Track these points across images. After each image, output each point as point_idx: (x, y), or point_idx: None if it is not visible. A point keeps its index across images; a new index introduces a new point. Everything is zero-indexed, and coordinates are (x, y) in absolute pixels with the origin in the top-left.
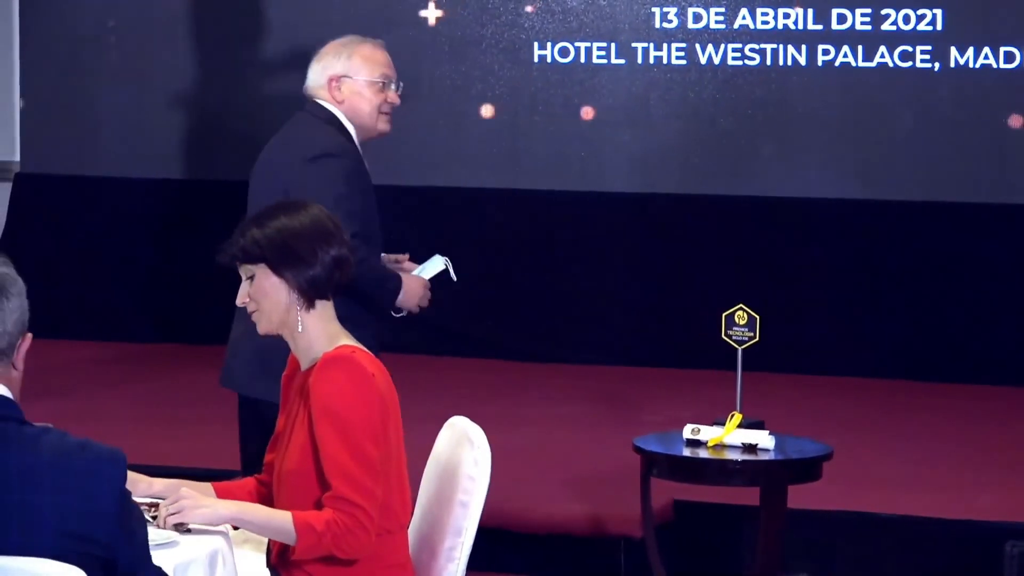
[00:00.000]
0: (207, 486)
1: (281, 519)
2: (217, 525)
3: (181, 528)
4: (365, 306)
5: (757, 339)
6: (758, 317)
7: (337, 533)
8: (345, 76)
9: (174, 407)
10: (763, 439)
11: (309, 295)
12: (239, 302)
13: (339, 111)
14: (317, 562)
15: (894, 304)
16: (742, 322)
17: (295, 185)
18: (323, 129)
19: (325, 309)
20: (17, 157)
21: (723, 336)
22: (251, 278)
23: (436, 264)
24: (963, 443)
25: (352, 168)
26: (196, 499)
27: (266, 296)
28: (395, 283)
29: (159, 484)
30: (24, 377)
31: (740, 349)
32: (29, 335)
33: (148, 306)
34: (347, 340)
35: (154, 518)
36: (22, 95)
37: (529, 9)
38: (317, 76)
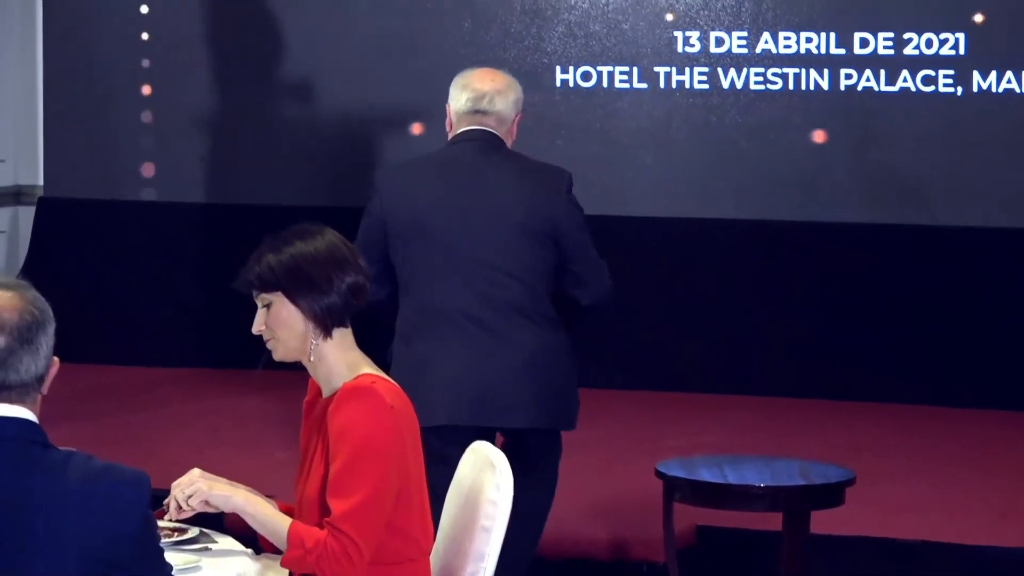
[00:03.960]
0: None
1: (279, 524)
2: (227, 510)
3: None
4: None
5: None
6: None
7: (323, 555)
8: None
9: (196, 432)
10: None
11: (326, 323)
12: (255, 330)
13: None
14: None
15: (920, 330)
16: None
17: (562, 217)
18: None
19: (344, 337)
20: (41, 181)
21: None
22: (268, 306)
23: None
24: (988, 468)
25: None
26: (212, 482)
27: (283, 325)
28: None
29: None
30: (45, 401)
31: None
32: (57, 360)
33: (171, 330)
34: (368, 368)
35: (174, 531)
36: (45, 119)
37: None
38: (510, 110)
